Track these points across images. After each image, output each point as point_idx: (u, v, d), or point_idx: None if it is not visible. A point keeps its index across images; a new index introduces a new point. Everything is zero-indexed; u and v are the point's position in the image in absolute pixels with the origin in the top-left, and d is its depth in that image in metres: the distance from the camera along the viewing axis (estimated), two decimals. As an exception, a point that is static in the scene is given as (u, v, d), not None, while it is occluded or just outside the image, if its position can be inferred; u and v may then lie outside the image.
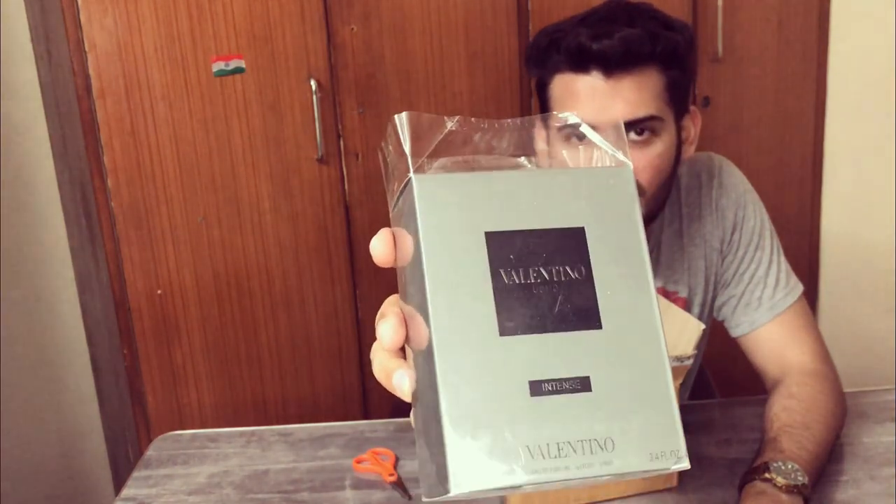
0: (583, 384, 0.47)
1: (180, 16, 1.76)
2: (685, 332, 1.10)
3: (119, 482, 2.23)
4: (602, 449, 0.46)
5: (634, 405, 0.47)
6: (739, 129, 2.07)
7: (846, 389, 1.29)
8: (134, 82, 1.77)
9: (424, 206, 0.49)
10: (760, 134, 2.09)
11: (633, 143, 1.09)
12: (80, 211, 2.05)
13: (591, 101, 1.08)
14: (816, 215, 2.18)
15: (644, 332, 0.49)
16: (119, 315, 1.90)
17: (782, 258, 1.29)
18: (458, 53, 1.87)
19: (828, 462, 1.13)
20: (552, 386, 0.47)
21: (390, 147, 0.52)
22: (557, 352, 0.47)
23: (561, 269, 0.48)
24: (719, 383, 1.56)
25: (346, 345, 1.98)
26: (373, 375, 0.53)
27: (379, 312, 0.53)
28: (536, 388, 0.47)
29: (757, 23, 2.01)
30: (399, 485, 1.18)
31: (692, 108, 1.19)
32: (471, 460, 0.45)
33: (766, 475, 1.02)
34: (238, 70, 1.80)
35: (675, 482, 1.13)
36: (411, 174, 0.50)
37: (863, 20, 2.06)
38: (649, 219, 1.18)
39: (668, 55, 1.08)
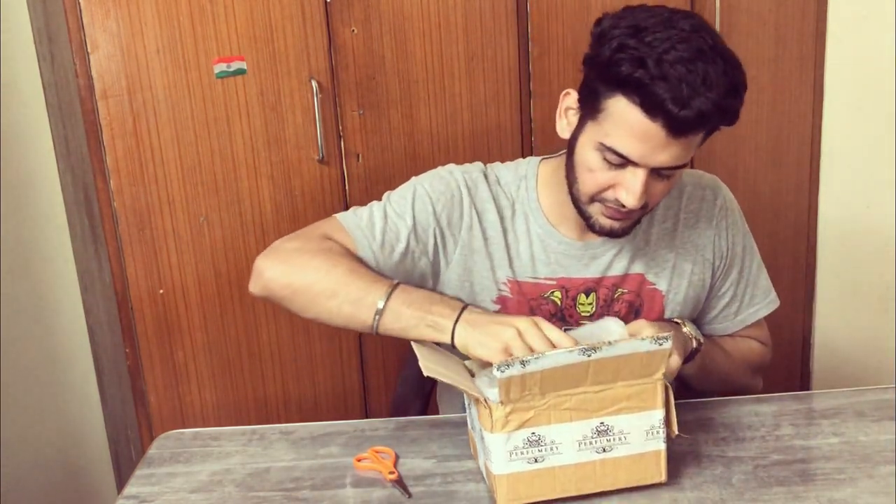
0: None
1: (182, 17, 1.76)
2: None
3: (121, 480, 2.24)
4: None
5: None
6: (736, 130, 2.07)
7: (844, 388, 1.36)
8: (136, 83, 1.78)
9: None
10: (757, 136, 2.09)
11: (658, 178, 1.19)
12: (83, 211, 2.06)
13: (645, 143, 1.14)
14: (813, 217, 2.18)
15: None
16: (121, 314, 1.91)
17: (762, 273, 1.44)
18: (458, 55, 1.88)
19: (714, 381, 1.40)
20: None
21: None
22: None
23: None
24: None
25: (346, 344, 1.99)
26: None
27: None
28: None
29: (754, 25, 2.02)
30: (399, 483, 1.19)
31: None
32: None
33: (677, 320, 1.31)
34: (239, 71, 1.81)
35: (663, 476, 1.13)
36: None
37: (860, 22, 2.06)
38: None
39: (726, 122, 1.17)
